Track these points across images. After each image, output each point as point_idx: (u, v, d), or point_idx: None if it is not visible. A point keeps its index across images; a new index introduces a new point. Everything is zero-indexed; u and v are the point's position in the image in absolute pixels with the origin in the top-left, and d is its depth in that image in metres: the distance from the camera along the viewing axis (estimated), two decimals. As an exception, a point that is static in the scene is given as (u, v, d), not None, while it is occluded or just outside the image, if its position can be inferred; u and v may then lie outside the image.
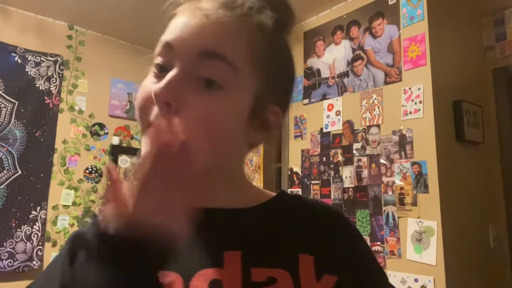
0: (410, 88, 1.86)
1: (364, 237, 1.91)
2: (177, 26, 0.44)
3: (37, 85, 2.45)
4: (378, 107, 1.99)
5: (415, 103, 1.83)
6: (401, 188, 1.82)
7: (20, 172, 2.33)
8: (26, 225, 2.31)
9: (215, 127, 0.42)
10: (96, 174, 2.64)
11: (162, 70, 0.44)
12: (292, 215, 0.50)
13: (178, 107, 0.41)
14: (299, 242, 0.47)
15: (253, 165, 2.65)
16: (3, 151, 2.28)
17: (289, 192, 0.57)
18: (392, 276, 1.77)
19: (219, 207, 0.47)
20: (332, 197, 2.15)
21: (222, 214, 0.47)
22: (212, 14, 0.43)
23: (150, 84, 0.44)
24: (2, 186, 2.26)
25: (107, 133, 2.73)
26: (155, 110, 0.42)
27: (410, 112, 1.84)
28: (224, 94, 0.42)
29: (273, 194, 0.54)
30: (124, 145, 2.80)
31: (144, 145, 0.43)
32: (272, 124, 0.49)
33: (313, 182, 2.28)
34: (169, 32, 0.45)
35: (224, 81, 0.42)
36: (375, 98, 2.02)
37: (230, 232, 0.47)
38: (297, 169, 2.39)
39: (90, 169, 2.62)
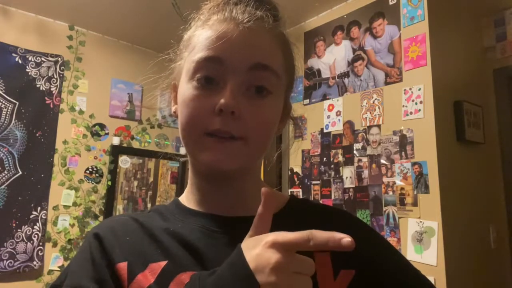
0: (410, 89, 1.86)
1: (365, 237, 1.92)
2: (219, 39, 0.46)
3: (37, 86, 2.45)
4: (379, 108, 1.99)
5: (416, 104, 1.82)
6: (402, 189, 1.82)
7: (20, 173, 2.33)
8: (26, 226, 2.31)
9: (269, 127, 0.49)
10: (97, 175, 2.64)
11: (209, 82, 0.47)
12: (304, 219, 0.53)
13: (240, 114, 0.45)
14: None
15: (254, 166, 2.65)
16: (3, 151, 2.28)
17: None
18: (393, 276, 1.77)
19: (249, 215, 0.49)
20: (333, 197, 2.15)
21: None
22: (251, 27, 0.47)
23: (202, 97, 0.46)
24: (2, 187, 2.26)
25: (107, 134, 2.73)
26: (215, 119, 0.45)
27: (411, 113, 1.84)
28: (272, 99, 0.49)
29: (286, 196, 0.57)
30: (125, 145, 2.80)
31: (205, 155, 0.46)
32: (287, 115, 0.57)
33: (313, 182, 2.27)
34: (211, 45, 0.47)
35: (272, 87, 0.48)
36: (376, 99, 2.01)
37: None
38: (297, 169, 2.39)
39: (90, 170, 2.62)
